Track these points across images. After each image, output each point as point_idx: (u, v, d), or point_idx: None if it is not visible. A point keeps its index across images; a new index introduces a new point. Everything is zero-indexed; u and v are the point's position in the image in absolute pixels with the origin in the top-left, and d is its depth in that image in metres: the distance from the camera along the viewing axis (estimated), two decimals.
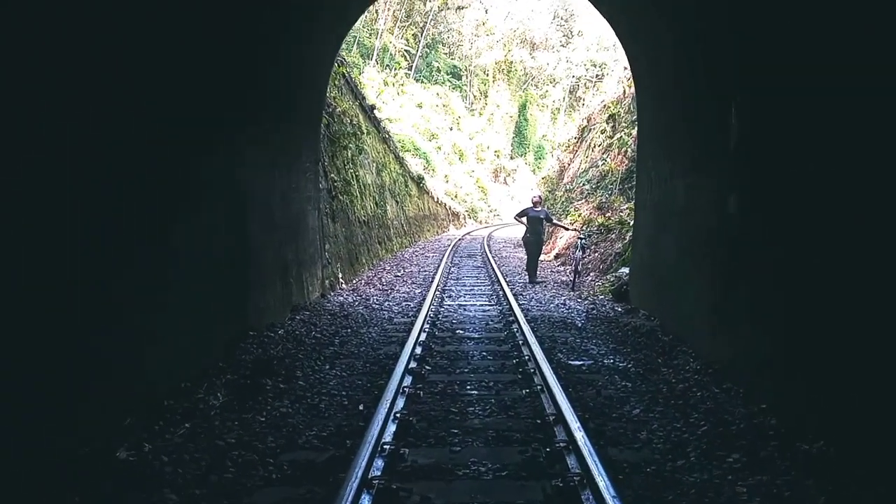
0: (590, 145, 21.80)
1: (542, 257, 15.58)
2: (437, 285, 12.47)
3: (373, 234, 17.14)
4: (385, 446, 4.26)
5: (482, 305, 10.63)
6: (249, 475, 3.99)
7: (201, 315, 6.04)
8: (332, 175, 13.00)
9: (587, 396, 5.66)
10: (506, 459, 4.28)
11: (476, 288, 12.85)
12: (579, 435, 4.25)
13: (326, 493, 3.64)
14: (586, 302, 10.90)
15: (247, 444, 4.48)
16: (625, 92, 19.58)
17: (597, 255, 14.36)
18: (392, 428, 4.67)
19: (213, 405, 5.16)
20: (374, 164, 19.22)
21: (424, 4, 48.54)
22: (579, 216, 17.08)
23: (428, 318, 8.91)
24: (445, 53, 56.25)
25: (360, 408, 5.35)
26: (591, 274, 13.64)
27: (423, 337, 7.67)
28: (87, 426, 4.17)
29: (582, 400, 5.52)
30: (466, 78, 57.71)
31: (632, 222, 11.54)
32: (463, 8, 54.83)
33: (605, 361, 6.92)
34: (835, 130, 4.34)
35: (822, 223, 4.48)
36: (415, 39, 48.75)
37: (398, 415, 4.92)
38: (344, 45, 21.75)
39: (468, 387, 5.96)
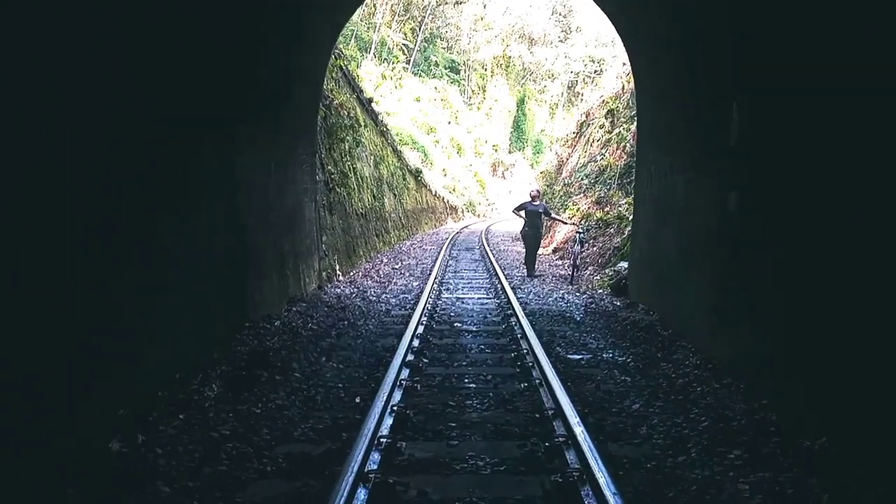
0: (588, 140, 21.72)
1: (540, 251, 15.52)
2: (435, 278, 12.39)
3: (370, 226, 17.06)
4: (382, 440, 4.20)
5: (480, 299, 10.57)
6: (244, 468, 3.93)
7: (198, 308, 5.98)
8: (330, 167, 12.91)
9: (586, 391, 5.61)
10: (504, 454, 4.22)
11: (474, 281, 12.79)
12: (579, 430, 4.19)
13: (322, 487, 3.58)
14: (585, 296, 10.85)
15: (241, 436, 4.42)
16: (624, 87, 19.49)
17: (595, 249, 14.30)
18: (389, 421, 4.60)
19: (207, 396, 5.09)
20: (372, 157, 19.12)
21: None
22: (578, 210, 17.02)
23: (426, 311, 8.84)
24: (443, 48, 56.04)
25: (357, 400, 5.28)
26: (590, 268, 13.59)
27: (420, 330, 7.61)
28: (88, 426, 4.11)
29: (581, 394, 5.46)
30: (464, 72, 57.51)
31: (630, 217, 11.48)
32: (461, 3, 54.61)
33: (605, 356, 6.87)
34: (834, 131, 4.29)
35: (822, 223, 4.43)
36: (413, 34, 48.52)
37: (395, 408, 4.86)
38: (342, 39, 21.63)
39: (466, 380, 5.90)
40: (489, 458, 4.16)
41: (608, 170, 17.39)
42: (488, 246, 19.70)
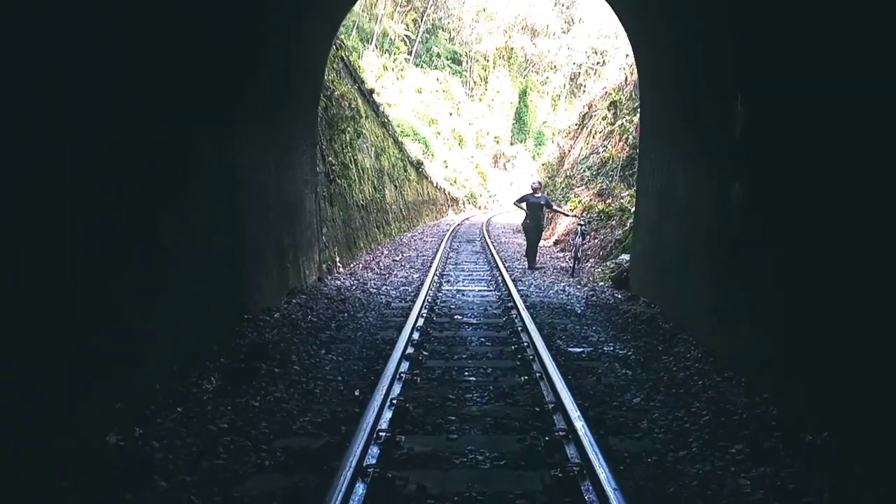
0: (590, 132, 21.64)
1: (541, 243, 15.47)
2: (436, 270, 12.36)
3: (371, 218, 17.01)
4: (381, 433, 4.17)
5: (481, 291, 10.53)
6: (241, 462, 3.90)
7: (197, 301, 5.95)
8: (330, 158, 12.85)
9: (587, 384, 5.58)
10: (504, 448, 4.19)
11: (475, 273, 12.75)
12: (579, 424, 4.16)
13: (320, 481, 3.55)
14: (586, 288, 10.81)
15: (239, 429, 4.39)
16: (626, 79, 19.40)
17: (597, 241, 14.25)
18: (388, 414, 4.57)
19: (206, 389, 5.06)
20: (373, 149, 19.05)
21: None
22: (579, 202, 16.97)
23: (426, 303, 8.81)
24: (446, 39, 55.79)
25: (356, 393, 5.26)
26: (591, 260, 13.54)
27: (420, 322, 7.58)
28: (85, 420, 4.09)
29: (581, 388, 5.43)
30: (466, 63, 57.27)
31: (632, 209, 11.42)
32: None
33: (605, 349, 6.83)
34: (835, 131, 4.25)
35: (822, 223, 4.39)
36: (415, 24, 48.30)
37: (394, 401, 4.82)
38: (343, 29, 21.51)
39: (466, 373, 5.87)
40: (489, 452, 4.13)
41: (610, 162, 17.32)
42: (489, 238, 19.65)
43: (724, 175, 6.09)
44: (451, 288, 10.80)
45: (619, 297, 9.73)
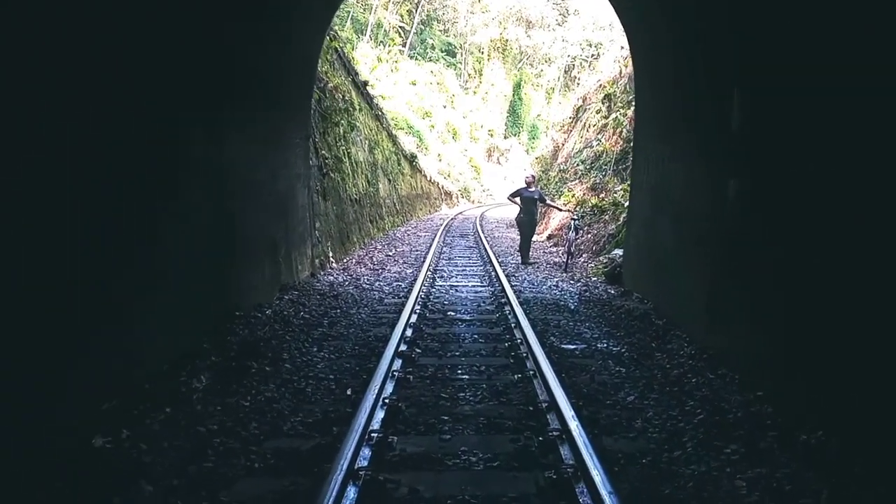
0: (585, 125, 21.56)
1: (534, 238, 15.42)
2: (429, 265, 12.30)
3: (364, 212, 16.92)
4: (373, 434, 4.12)
5: (474, 286, 10.48)
6: (231, 464, 3.84)
7: (188, 299, 5.89)
8: (324, 152, 12.75)
9: (580, 382, 5.53)
10: (497, 449, 4.15)
11: (468, 268, 12.70)
12: (573, 424, 4.11)
13: (310, 485, 3.49)
14: (579, 284, 10.77)
15: (229, 430, 4.33)
16: (621, 71, 19.32)
17: (590, 236, 14.21)
18: (380, 415, 4.52)
19: (195, 389, 4.99)
20: (367, 142, 18.93)
21: None
22: (573, 197, 16.90)
23: (419, 299, 8.75)
24: (440, 30, 55.52)
25: (348, 392, 5.20)
26: (584, 255, 13.51)
27: (413, 319, 7.52)
28: (71, 422, 4.03)
29: (575, 386, 5.38)
30: (461, 56, 57.02)
31: (626, 204, 11.37)
32: None
33: (599, 345, 6.80)
34: (836, 131, 4.21)
35: (822, 223, 4.35)
36: (409, 16, 48.01)
37: (387, 400, 4.78)
38: (337, 20, 21.34)
39: (459, 371, 5.82)
40: (482, 453, 4.08)
41: (604, 156, 17.26)
42: (483, 233, 19.59)
43: (722, 173, 6.04)
44: (444, 283, 10.74)
45: (613, 292, 9.70)
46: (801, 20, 4.65)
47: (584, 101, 23.69)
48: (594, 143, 18.77)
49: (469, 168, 46.25)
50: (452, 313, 8.29)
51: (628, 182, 11.59)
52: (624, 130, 16.24)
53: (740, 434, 4.35)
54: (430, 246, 15.77)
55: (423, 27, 51.40)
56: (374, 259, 13.82)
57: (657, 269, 8.31)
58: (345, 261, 12.89)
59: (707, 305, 6.38)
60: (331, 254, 12.18)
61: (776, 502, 3.50)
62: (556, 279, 11.35)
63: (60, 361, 4.04)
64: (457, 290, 10.06)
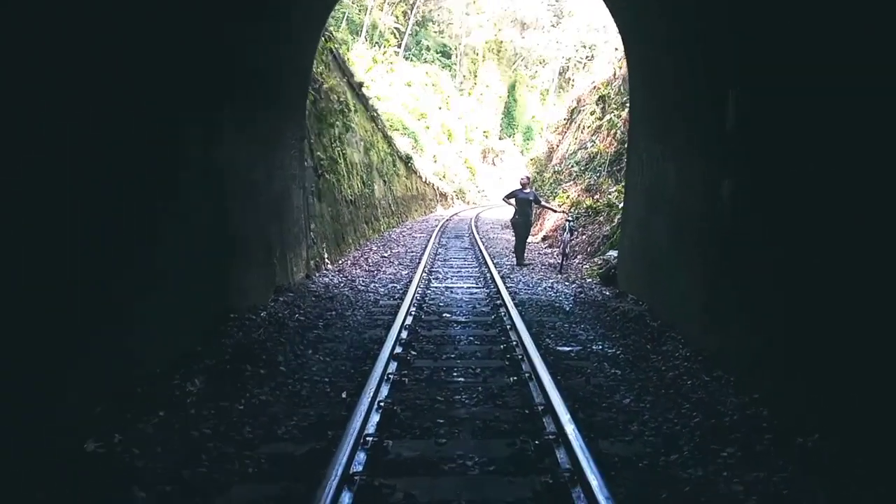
0: (579, 126, 21.59)
1: (529, 239, 15.42)
2: (425, 266, 12.27)
3: (360, 213, 16.88)
4: (368, 438, 4.09)
5: (469, 288, 10.46)
6: (224, 470, 3.80)
7: (182, 301, 5.84)
8: (319, 153, 12.71)
9: (576, 385, 5.52)
10: (493, 453, 4.12)
11: (463, 270, 12.67)
12: (570, 428, 4.09)
13: (305, 491, 3.45)
14: (574, 285, 10.76)
15: (223, 434, 4.29)
16: (615, 73, 19.35)
17: (584, 237, 14.22)
18: (375, 418, 4.49)
19: (189, 392, 4.95)
20: (362, 143, 18.89)
21: None
22: (567, 198, 16.91)
23: (414, 301, 8.72)
24: (436, 32, 55.53)
25: (343, 395, 5.17)
26: (579, 256, 13.51)
27: (409, 321, 7.49)
28: (62, 426, 3.99)
29: (571, 388, 5.36)
30: (456, 57, 57.02)
31: (620, 205, 11.37)
32: None
33: (594, 347, 6.78)
34: (837, 132, 4.20)
35: (822, 223, 4.35)
36: (405, 17, 48.00)
37: (382, 403, 4.74)
38: (332, 21, 21.32)
39: (455, 373, 5.79)
40: (478, 457, 4.05)
41: (598, 157, 17.28)
42: (478, 234, 19.57)
43: (720, 172, 6.02)
44: (439, 285, 10.71)
45: (608, 294, 9.69)
46: (804, 19, 4.63)
47: (578, 103, 23.74)
48: (588, 145, 18.79)
49: (464, 169, 46.24)
50: (448, 315, 8.26)
51: (622, 183, 11.58)
52: (618, 131, 16.26)
53: (737, 437, 4.34)
54: (426, 247, 15.74)
55: (418, 28, 51.38)
56: (370, 260, 13.79)
57: (652, 270, 8.31)
58: (340, 262, 12.85)
59: (703, 307, 6.37)
60: (326, 255, 12.14)
61: None
62: (551, 280, 11.34)
63: (61, 361, 4.02)
64: (452, 292, 10.04)
